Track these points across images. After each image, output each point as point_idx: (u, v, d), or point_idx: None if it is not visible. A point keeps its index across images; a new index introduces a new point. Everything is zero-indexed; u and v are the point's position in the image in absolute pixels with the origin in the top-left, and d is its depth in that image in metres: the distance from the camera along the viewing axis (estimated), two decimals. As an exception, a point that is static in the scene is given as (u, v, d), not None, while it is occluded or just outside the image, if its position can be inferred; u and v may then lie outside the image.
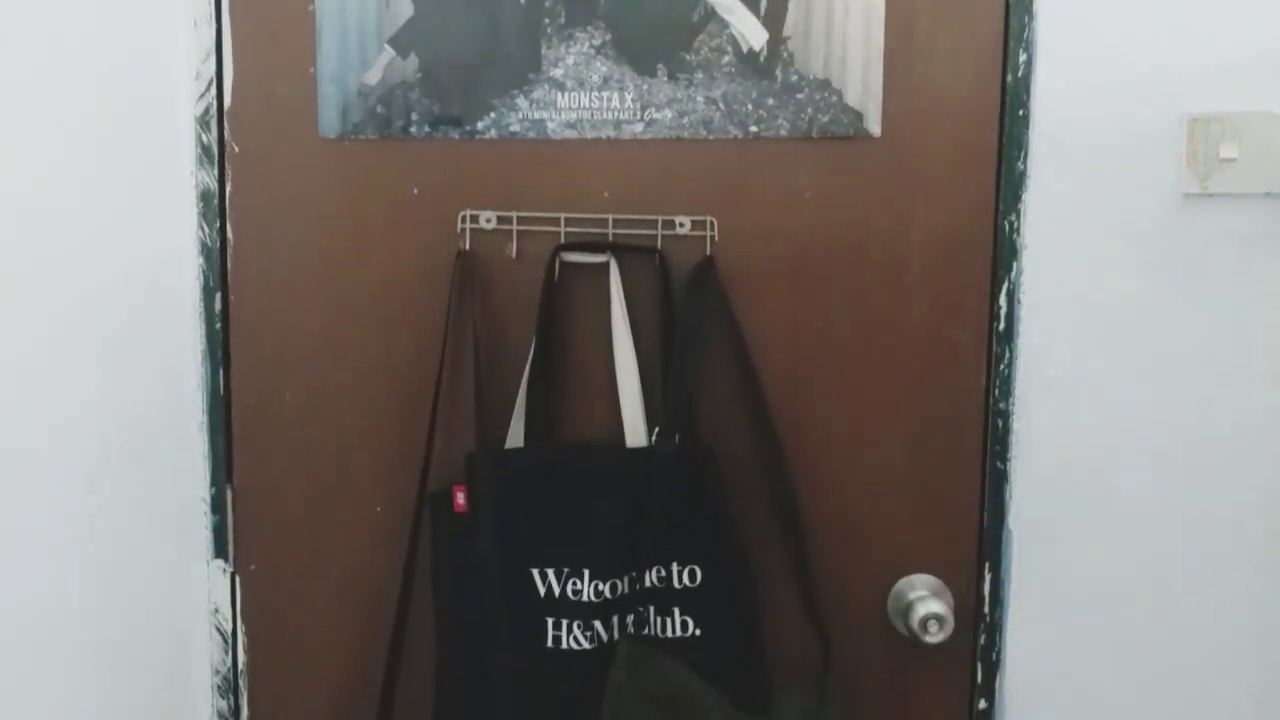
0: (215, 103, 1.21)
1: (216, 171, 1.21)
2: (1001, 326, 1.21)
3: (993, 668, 1.26)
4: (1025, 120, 1.18)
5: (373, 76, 1.20)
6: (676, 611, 1.20)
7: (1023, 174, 1.18)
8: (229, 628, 1.28)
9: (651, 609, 1.20)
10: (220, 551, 1.27)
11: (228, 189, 1.22)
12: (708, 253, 1.20)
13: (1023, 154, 1.18)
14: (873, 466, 1.24)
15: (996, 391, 1.22)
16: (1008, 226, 1.19)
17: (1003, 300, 1.20)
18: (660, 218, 1.20)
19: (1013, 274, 1.20)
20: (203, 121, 1.21)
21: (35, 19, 1.00)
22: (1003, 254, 1.20)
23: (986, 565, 1.25)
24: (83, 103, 1.06)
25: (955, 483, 1.24)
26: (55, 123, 1.03)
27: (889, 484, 1.25)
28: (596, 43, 1.20)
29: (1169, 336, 1.20)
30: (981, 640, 1.26)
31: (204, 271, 1.22)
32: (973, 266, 1.21)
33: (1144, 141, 1.17)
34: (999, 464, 1.23)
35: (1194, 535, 1.23)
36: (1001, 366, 1.21)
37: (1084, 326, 1.20)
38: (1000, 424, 1.22)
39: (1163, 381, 1.20)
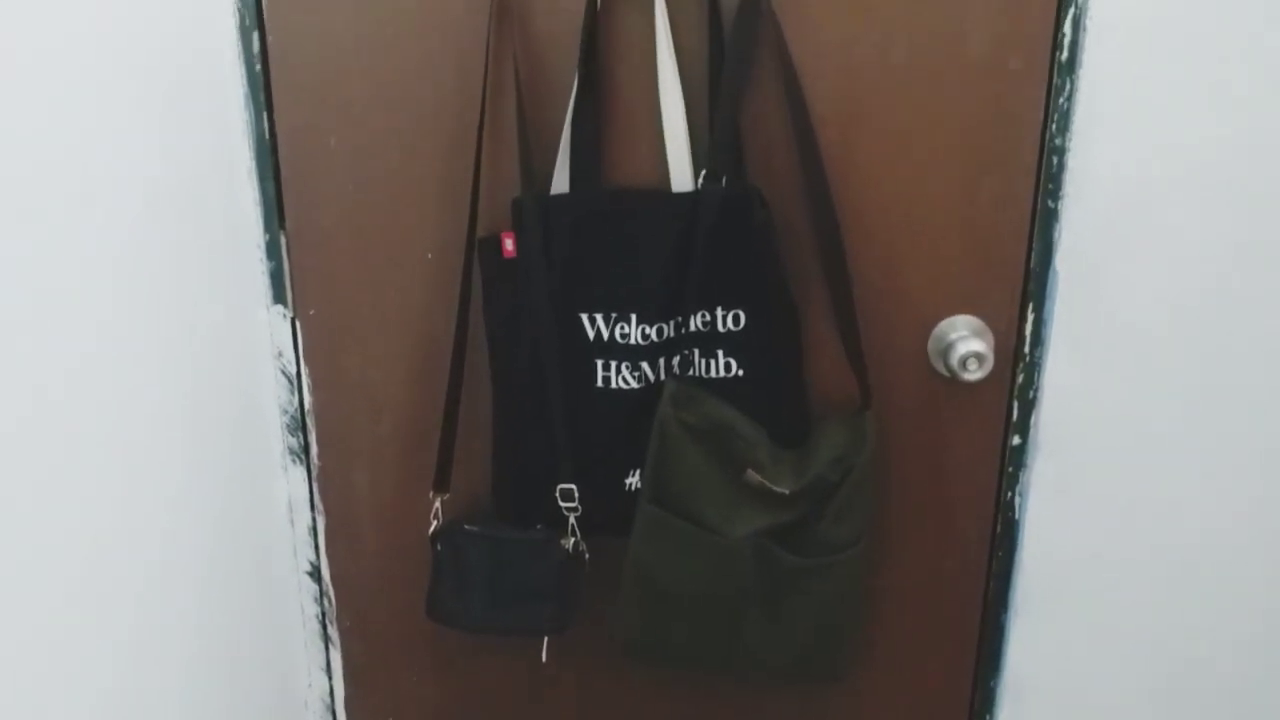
0: None
1: (242, -105, 1.07)
2: (1064, 56, 1.07)
3: (1029, 406, 1.20)
4: None
5: None
6: (720, 353, 1.15)
7: (1101, -119, 1.02)
8: (293, 370, 1.24)
9: (696, 351, 1.15)
10: (279, 297, 1.21)
11: (255, -84, 1.08)
12: (759, -25, 1.07)
13: None
14: (921, 206, 1.15)
15: (1054, 126, 1.10)
16: (1080, -57, 1.04)
17: (1067, 27, 1.06)
18: (709, -63, 1.06)
19: (1081, -3, 1.05)
20: None
21: None
22: (1071, -25, 1.05)
23: (1030, 306, 1.17)
24: None
25: (1004, 222, 1.15)
26: None
27: (936, 224, 1.15)
28: None
29: (1244, 63, 1.06)
30: (1019, 379, 1.20)
31: (239, 9, 1.10)
32: (1039, -11, 1.06)
33: None
34: (1050, 203, 1.12)
35: (1249, 277, 1.13)
36: (1061, 100, 1.09)
37: (1153, 56, 1.07)
38: (1055, 161, 1.11)
39: (1233, 116, 1.08)
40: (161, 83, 1.02)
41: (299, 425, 1.27)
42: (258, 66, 1.12)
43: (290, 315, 1.22)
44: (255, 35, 1.11)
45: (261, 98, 1.13)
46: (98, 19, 0.92)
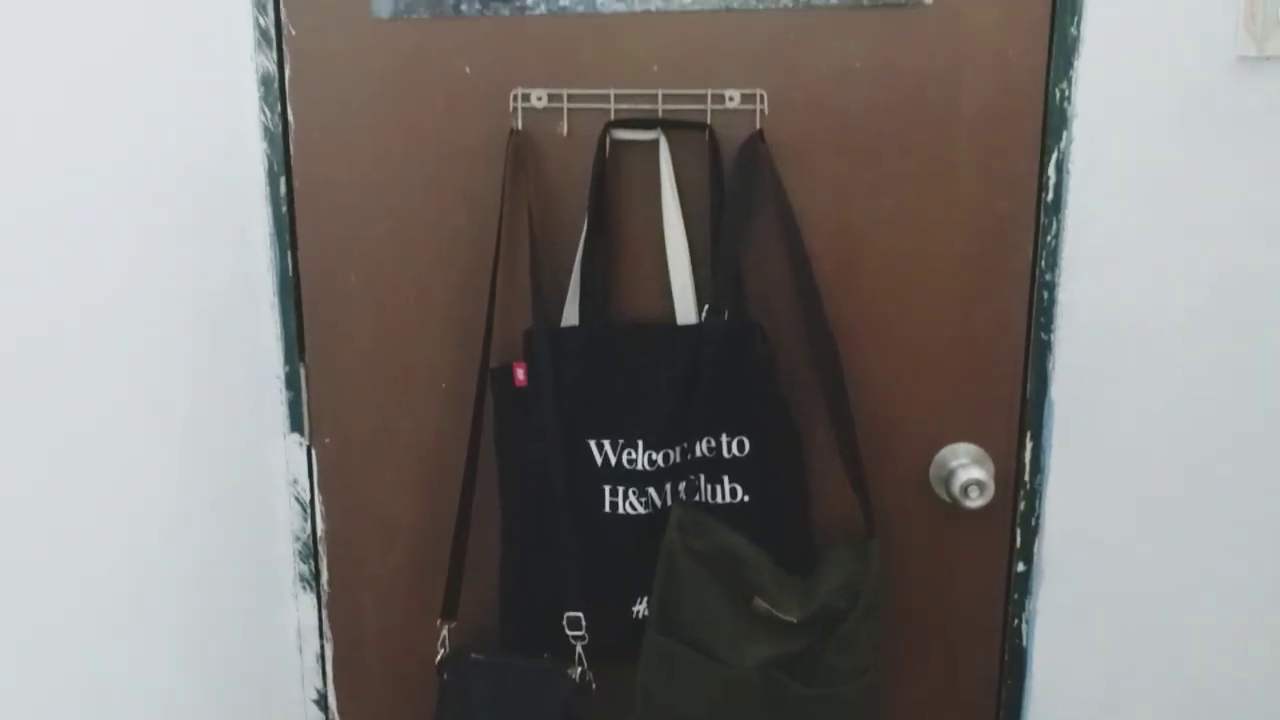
0: (272, -13, 1.14)
1: (275, 55, 1.14)
2: (1050, 197, 1.12)
3: (1032, 533, 1.20)
4: (1079, -16, 1.07)
5: (424, -42, 1.12)
6: (726, 479, 1.16)
7: (1076, 39, 1.08)
8: (307, 497, 1.26)
9: (702, 477, 1.16)
10: (296, 426, 1.24)
11: (287, 72, 1.15)
12: (757, 126, 1.12)
13: (1076, 18, 1.07)
14: (918, 339, 1.17)
15: (1043, 263, 1.13)
16: (1059, 94, 1.09)
17: (1051, 171, 1.11)
18: (709, 91, 1.12)
19: (1062, 143, 1.10)
20: (259, 4, 1.14)
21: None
22: (1053, 123, 1.10)
23: (1028, 434, 1.18)
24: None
25: (999, 354, 1.17)
26: (115, 12, 0.96)
27: (934, 356, 1.18)
28: (644, -83, 1.10)
29: (1219, 203, 1.10)
30: (1021, 506, 1.20)
31: (268, 155, 1.16)
32: (1022, 137, 1.12)
33: (1201, 3, 1.06)
34: (1043, 335, 1.15)
35: (1235, 404, 1.15)
36: (1048, 238, 1.13)
37: (1133, 195, 1.11)
38: (1045, 295, 1.14)
39: (1211, 250, 1.11)
40: (192, 223, 1.07)
41: (311, 552, 1.27)
42: (284, 208, 1.18)
43: (306, 444, 1.24)
44: (282, 180, 1.17)
45: (286, 238, 1.18)
46: (138, 164, 0.97)
